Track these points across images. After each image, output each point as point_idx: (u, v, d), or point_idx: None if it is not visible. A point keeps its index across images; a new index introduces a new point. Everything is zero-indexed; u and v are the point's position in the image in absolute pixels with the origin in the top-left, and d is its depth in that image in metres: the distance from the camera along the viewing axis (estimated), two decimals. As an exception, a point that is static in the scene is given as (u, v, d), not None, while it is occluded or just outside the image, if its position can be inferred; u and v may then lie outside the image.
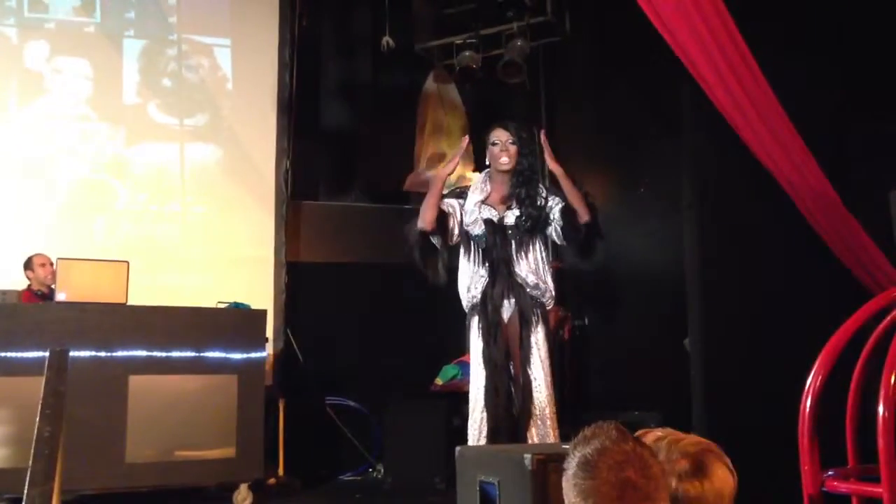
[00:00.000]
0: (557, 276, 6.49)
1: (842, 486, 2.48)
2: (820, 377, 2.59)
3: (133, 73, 6.07)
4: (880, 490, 2.25)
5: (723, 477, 1.62)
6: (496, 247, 3.88)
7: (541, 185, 4.02)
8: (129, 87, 6.07)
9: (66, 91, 5.90)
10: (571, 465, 1.44)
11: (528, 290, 3.85)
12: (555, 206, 3.91)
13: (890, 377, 2.30)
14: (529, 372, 3.79)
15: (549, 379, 3.82)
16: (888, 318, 2.67)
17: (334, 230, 6.51)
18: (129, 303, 4.66)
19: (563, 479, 1.46)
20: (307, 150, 6.42)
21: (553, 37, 6.18)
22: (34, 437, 2.68)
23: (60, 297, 4.52)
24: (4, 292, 4.77)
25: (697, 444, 1.67)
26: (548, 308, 3.92)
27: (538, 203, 3.91)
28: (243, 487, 4.64)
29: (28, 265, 5.09)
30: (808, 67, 4.18)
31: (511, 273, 3.87)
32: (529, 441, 3.72)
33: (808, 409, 2.57)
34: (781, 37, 4.19)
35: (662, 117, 4.98)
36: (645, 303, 5.25)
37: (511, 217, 3.91)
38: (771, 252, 4.21)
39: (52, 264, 4.85)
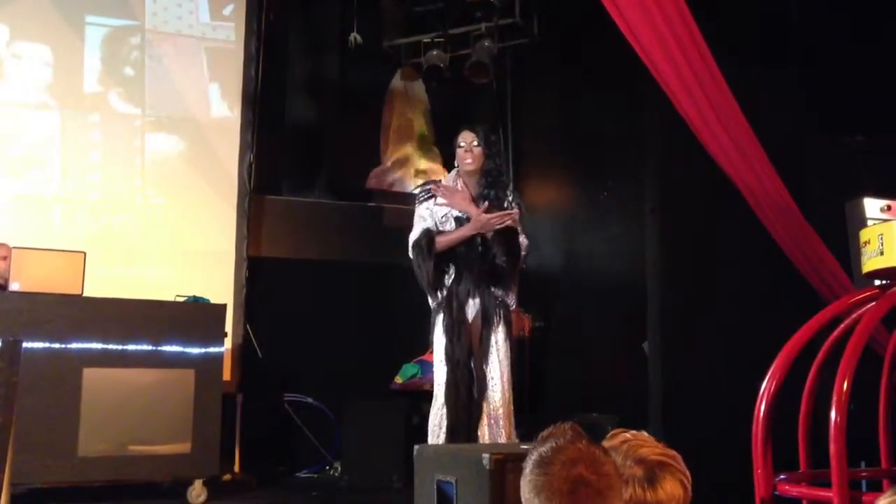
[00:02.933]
0: (519, 278, 6.57)
1: (793, 490, 2.52)
2: (774, 382, 2.63)
3: (95, 61, 5.97)
4: (830, 494, 2.30)
5: (671, 491, 1.66)
6: (463, 245, 3.91)
7: (510, 189, 4.11)
8: (90, 75, 5.96)
9: (25, 77, 5.78)
10: (528, 464, 1.48)
11: (492, 289, 3.88)
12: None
13: (842, 383, 2.34)
14: (486, 370, 3.82)
15: (506, 379, 3.86)
16: (841, 325, 2.72)
17: (297, 226, 6.47)
18: (86, 295, 4.58)
19: (521, 476, 1.50)
20: (271, 145, 6.37)
21: (521, 39, 6.21)
22: (-17, 429, 2.62)
23: (14, 286, 4.43)
24: (-44, 282, 4.65)
25: (658, 454, 1.69)
26: (511, 308, 3.97)
27: (505, 205, 3.97)
28: (198, 484, 4.59)
29: None
30: (770, 78, 4.26)
31: (477, 272, 3.90)
32: (480, 440, 3.75)
33: (762, 414, 2.61)
34: (745, 47, 4.26)
35: (626, 122, 5.03)
36: (605, 305, 5.30)
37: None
38: (730, 258, 4.28)
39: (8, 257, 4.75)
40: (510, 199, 4.02)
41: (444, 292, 3.93)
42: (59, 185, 5.78)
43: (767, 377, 2.65)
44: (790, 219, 3.72)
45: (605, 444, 1.69)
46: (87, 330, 4.47)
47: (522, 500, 1.49)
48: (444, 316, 3.89)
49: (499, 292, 3.92)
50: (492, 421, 3.79)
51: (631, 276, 4.88)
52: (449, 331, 3.86)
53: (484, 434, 3.77)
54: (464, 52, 6.21)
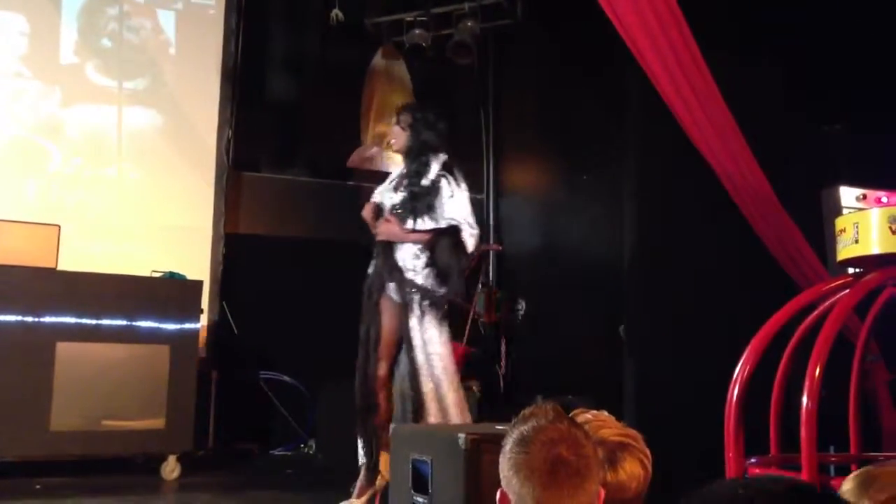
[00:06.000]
0: (496, 259, 6.58)
1: (763, 473, 2.56)
2: (748, 367, 2.67)
3: (71, 32, 5.87)
4: (800, 477, 2.33)
5: (631, 471, 1.67)
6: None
7: (434, 165, 3.91)
8: (66, 46, 5.86)
9: (1, 47, 5.68)
10: (509, 442, 1.49)
11: (405, 273, 3.84)
12: (448, 203, 3.84)
13: (814, 370, 2.37)
14: (413, 357, 3.78)
15: (438, 366, 3.78)
16: (815, 312, 2.76)
17: (275, 203, 6.43)
18: (60, 268, 4.53)
19: (501, 454, 1.50)
20: (250, 121, 6.31)
21: (504, 20, 6.19)
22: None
23: (-13, 259, 4.37)
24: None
25: (618, 434, 1.71)
26: (439, 294, 3.83)
27: (423, 182, 3.87)
28: (171, 459, 4.58)
29: None
30: (751, 66, 4.28)
31: (390, 256, 3.87)
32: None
33: (734, 398, 2.65)
34: (728, 33, 4.28)
35: (608, 106, 5.03)
36: (583, 288, 5.33)
37: (397, 198, 3.92)
38: (707, 244, 4.31)
39: None
40: (430, 175, 3.88)
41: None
42: (35, 157, 5.70)
43: (741, 362, 2.68)
44: (767, 205, 3.75)
45: None
46: (60, 304, 4.42)
47: (501, 477, 1.50)
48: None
49: (412, 275, 3.83)
50: (433, 408, 3.75)
51: (609, 259, 4.91)
52: (364, 313, 3.93)
53: (427, 417, 3.76)
54: (447, 31, 6.17)
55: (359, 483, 3.91)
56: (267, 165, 6.59)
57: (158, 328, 4.63)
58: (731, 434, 2.62)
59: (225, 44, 6.15)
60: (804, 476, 2.30)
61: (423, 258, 3.82)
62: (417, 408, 3.75)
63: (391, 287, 3.87)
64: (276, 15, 6.71)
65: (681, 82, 3.61)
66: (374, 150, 6.70)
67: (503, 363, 6.12)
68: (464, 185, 3.89)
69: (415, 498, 2.84)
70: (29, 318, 4.35)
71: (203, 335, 5.27)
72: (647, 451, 1.74)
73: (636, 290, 4.58)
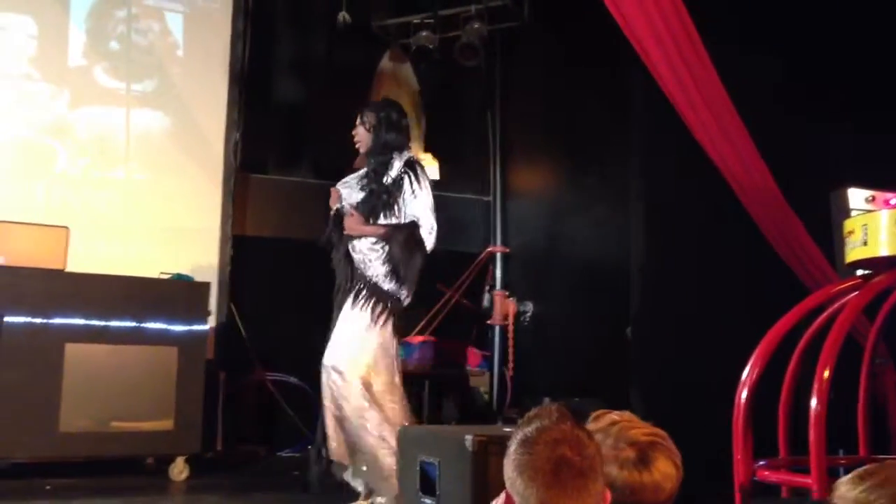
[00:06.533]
0: (504, 261, 6.58)
1: (772, 476, 2.56)
2: (756, 370, 2.66)
3: (79, 34, 5.89)
4: (809, 481, 2.32)
5: (665, 471, 1.66)
6: (335, 226, 4.04)
7: (396, 164, 3.93)
8: (74, 48, 5.88)
9: (9, 49, 5.70)
10: (513, 443, 1.50)
11: (357, 265, 3.94)
12: (409, 201, 3.87)
13: (823, 372, 2.37)
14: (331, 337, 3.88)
15: (360, 363, 3.81)
16: (824, 314, 2.75)
17: (282, 205, 6.44)
18: (68, 270, 4.55)
19: (505, 456, 1.51)
20: (258, 124, 6.31)
21: (511, 22, 6.19)
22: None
23: (-3, 260, 4.39)
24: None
25: (648, 434, 1.70)
26: (385, 289, 3.86)
27: (385, 180, 3.91)
28: (180, 461, 4.59)
29: None
30: (759, 66, 4.27)
31: (349, 248, 3.98)
32: (330, 426, 3.81)
33: (743, 401, 2.64)
34: (735, 33, 4.27)
35: (615, 107, 5.03)
36: (590, 290, 5.32)
37: (361, 196, 3.97)
38: (713, 245, 4.31)
39: None
40: (392, 174, 3.91)
41: None
42: (43, 159, 5.72)
43: (749, 364, 2.68)
44: (774, 206, 3.75)
45: (591, 425, 1.70)
46: (69, 305, 4.44)
47: (505, 479, 1.51)
48: None
49: (368, 272, 3.90)
50: (352, 410, 3.79)
51: (615, 261, 4.90)
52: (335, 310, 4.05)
53: (330, 425, 3.88)
54: (454, 33, 6.18)
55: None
56: (274, 167, 6.60)
57: (166, 330, 4.64)
58: (740, 437, 2.61)
59: (232, 46, 6.16)
60: (812, 479, 2.29)
61: (380, 251, 3.87)
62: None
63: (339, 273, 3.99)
64: (283, 17, 6.72)
65: (686, 82, 3.60)
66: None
67: (510, 365, 6.12)
68: (426, 184, 3.90)
69: (423, 500, 2.85)
70: (38, 320, 4.36)
71: (211, 336, 5.28)
72: (678, 451, 1.73)
73: (642, 291, 4.57)
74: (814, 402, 2.32)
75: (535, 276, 6.09)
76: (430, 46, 6.13)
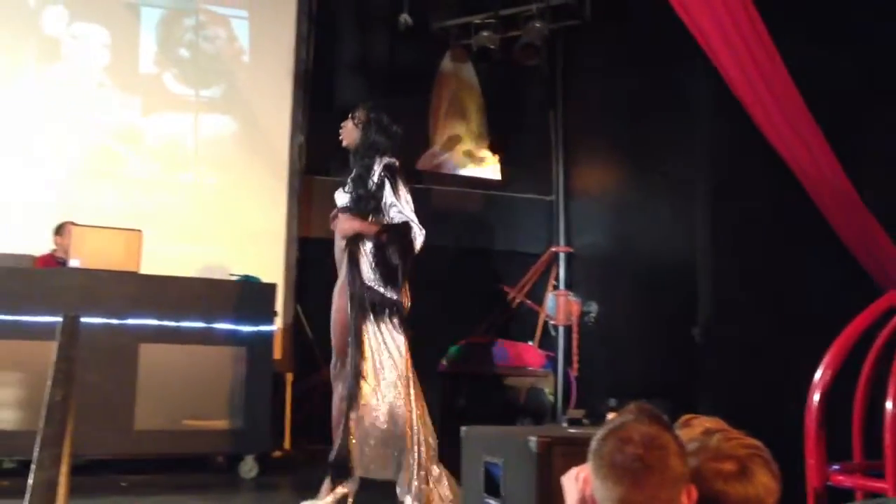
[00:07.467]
0: (567, 261, 6.54)
1: (847, 481, 2.49)
2: (829, 372, 2.59)
3: (150, 43, 6.06)
4: (885, 485, 2.26)
5: (766, 483, 1.63)
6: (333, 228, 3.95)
7: (380, 172, 3.88)
8: (145, 57, 6.06)
9: (84, 58, 5.89)
10: (597, 438, 1.50)
11: (352, 268, 3.84)
12: (393, 203, 3.82)
13: (899, 374, 2.30)
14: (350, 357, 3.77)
15: (367, 368, 3.76)
16: (899, 314, 2.66)
17: (346, 207, 6.51)
18: (141, 272, 4.68)
19: (589, 449, 1.53)
20: (321, 126, 6.38)
21: (572, 20, 6.15)
22: (45, 402, 2.70)
23: (74, 263, 4.53)
24: (18, 256, 4.77)
25: (747, 446, 1.67)
26: (380, 292, 3.82)
27: (368, 184, 3.86)
28: (249, 459, 4.68)
29: (59, 231, 5.10)
30: (829, 59, 4.15)
31: (343, 247, 3.89)
32: (352, 428, 3.71)
33: (815, 404, 2.58)
34: (803, 26, 4.16)
35: (680, 104, 4.96)
36: (655, 290, 5.25)
37: (347, 199, 3.92)
38: (783, 244, 4.21)
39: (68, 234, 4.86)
40: (374, 178, 3.86)
41: None
42: (115, 164, 5.90)
43: (822, 366, 2.61)
44: (848, 203, 3.64)
45: (683, 431, 1.67)
46: (143, 306, 4.56)
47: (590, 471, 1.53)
48: None
49: (360, 276, 3.83)
50: (366, 412, 3.74)
51: (681, 261, 4.83)
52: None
53: (352, 428, 3.76)
54: (514, 33, 6.16)
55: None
56: (337, 169, 6.66)
57: (235, 330, 4.73)
58: (813, 440, 2.55)
59: (296, 50, 6.26)
60: (888, 483, 2.23)
61: (375, 255, 3.83)
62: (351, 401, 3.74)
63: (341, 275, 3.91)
64: (345, 20, 6.80)
65: (754, 78, 3.53)
66: (447, 156, 6.74)
67: (575, 366, 6.08)
68: (404, 189, 3.87)
69: (487, 501, 2.85)
70: (113, 321, 4.49)
71: (278, 337, 5.37)
72: (775, 463, 1.70)
73: (709, 291, 4.50)
74: (889, 405, 2.26)
75: (598, 276, 6.05)
76: (492, 46, 6.13)
